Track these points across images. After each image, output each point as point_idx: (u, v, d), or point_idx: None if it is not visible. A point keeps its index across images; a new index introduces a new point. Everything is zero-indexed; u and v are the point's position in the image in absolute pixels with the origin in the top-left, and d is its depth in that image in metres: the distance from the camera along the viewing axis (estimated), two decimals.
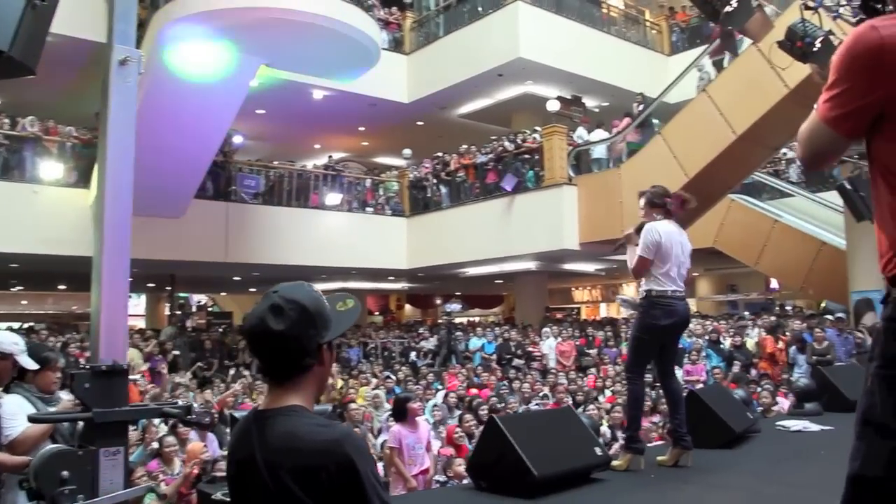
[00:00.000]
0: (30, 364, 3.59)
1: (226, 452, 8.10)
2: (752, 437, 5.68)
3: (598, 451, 4.82)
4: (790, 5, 10.29)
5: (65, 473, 2.73)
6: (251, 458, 1.74)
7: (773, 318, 14.24)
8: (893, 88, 1.64)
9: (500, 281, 23.08)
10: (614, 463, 4.84)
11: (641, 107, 15.15)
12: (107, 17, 3.47)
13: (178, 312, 19.03)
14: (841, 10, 8.50)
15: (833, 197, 13.79)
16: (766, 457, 5.24)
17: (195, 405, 4.13)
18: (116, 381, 2.98)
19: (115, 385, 2.97)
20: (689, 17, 19.30)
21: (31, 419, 3.40)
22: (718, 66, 13.40)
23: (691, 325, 14.24)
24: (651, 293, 4.80)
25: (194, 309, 25.02)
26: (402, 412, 7.01)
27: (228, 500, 1.90)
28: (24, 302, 29.51)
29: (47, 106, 15.40)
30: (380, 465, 6.99)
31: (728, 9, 7.25)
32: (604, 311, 28.53)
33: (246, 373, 13.21)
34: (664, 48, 19.59)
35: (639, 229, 5.02)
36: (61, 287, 22.46)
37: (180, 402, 3.86)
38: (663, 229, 4.86)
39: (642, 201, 5.09)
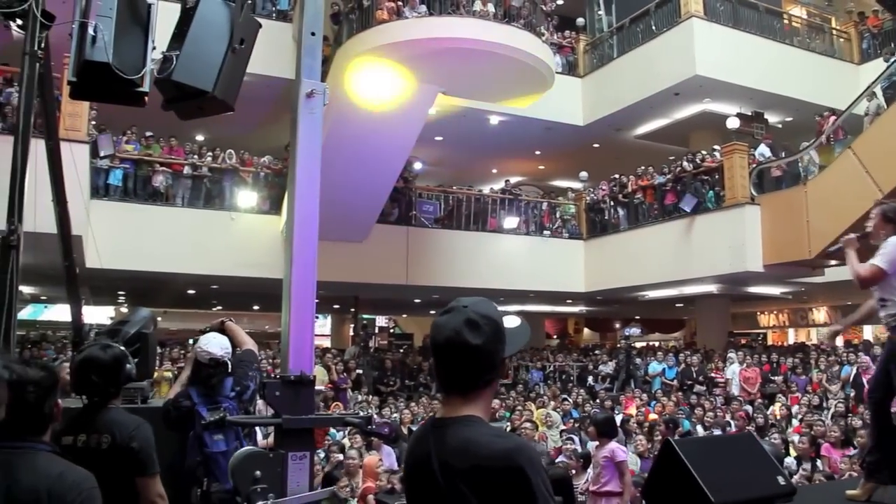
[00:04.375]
0: None
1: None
2: None
3: (780, 480, 4.60)
4: None
5: (258, 473, 3.00)
6: (427, 459, 1.85)
7: None
8: None
9: (681, 304, 22.45)
10: (850, 493, 4.53)
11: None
12: (295, 54, 3.77)
13: (362, 333, 19.76)
14: None
15: None
16: None
17: (375, 416, 4.38)
18: (304, 390, 3.22)
19: (302, 394, 3.21)
20: (881, 21, 18.07)
21: (230, 422, 3.74)
22: None
23: None
24: None
25: (376, 330, 25.87)
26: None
27: None
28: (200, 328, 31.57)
29: (243, 139, 16.57)
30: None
31: None
32: (792, 336, 27.07)
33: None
34: (853, 57, 18.46)
35: (861, 238, 4.67)
36: (255, 307, 23.87)
37: (361, 413, 4.11)
38: None
39: (875, 211, 4.61)
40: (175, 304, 23.36)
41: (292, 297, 3.32)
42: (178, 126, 13.39)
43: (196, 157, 15.38)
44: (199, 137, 17.55)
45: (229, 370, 4.39)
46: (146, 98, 3.59)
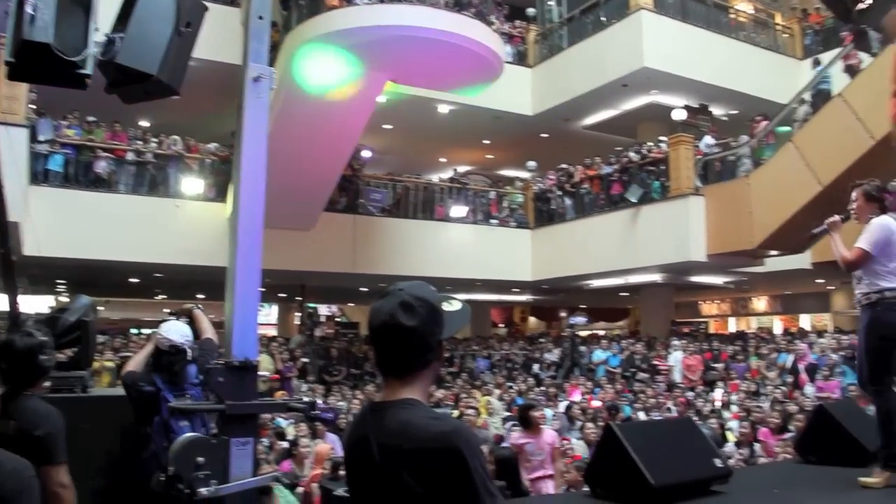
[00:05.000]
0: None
1: None
2: None
3: (717, 462, 4.72)
4: None
5: (200, 459, 2.98)
6: (365, 442, 1.85)
7: None
8: None
9: (626, 294, 22.78)
10: (867, 480, 4.38)
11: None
12: (242, 39, 3.73)
13: (308, 321, 19.69)
14: None
15: None
16: None
17: (319, 402, 4.39)
18: (247, 376, 3.20)
19: (245, 380, 3.20)
20: (823, 18, 18.54)
21: (171, 409, 3.73)
22: (852, 71, 12.85)
23: (825, 341, 13.72)
24: (884, 293, 4.37)
25: (323, 319, 25.77)
26: (524, 419, 7.22)
27: (348, 496, 2.02)
28: (165, 310, 31.04)
29: (189, 126, 16.29)
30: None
31: (861, 6, 6.83)
32: (733, 325, 27.67)
33: None
34: (796, 52, 18.90)
35: (845, 220, 4.68)
36: (200, 296, 23.56)
37: (305, 399, 4.13)
38: (893, 225, 4.44)
39: (856, 193, 4.64)
40: (117, 292, 22.94)
41: (237, 284, 3.29)
42: (121, 111, 13.12)
43: (140, 142, 15.08)
44: (144, 123, 17.23)
45: (189, 357, 4.38)
46: (88, 80, 3.52)
